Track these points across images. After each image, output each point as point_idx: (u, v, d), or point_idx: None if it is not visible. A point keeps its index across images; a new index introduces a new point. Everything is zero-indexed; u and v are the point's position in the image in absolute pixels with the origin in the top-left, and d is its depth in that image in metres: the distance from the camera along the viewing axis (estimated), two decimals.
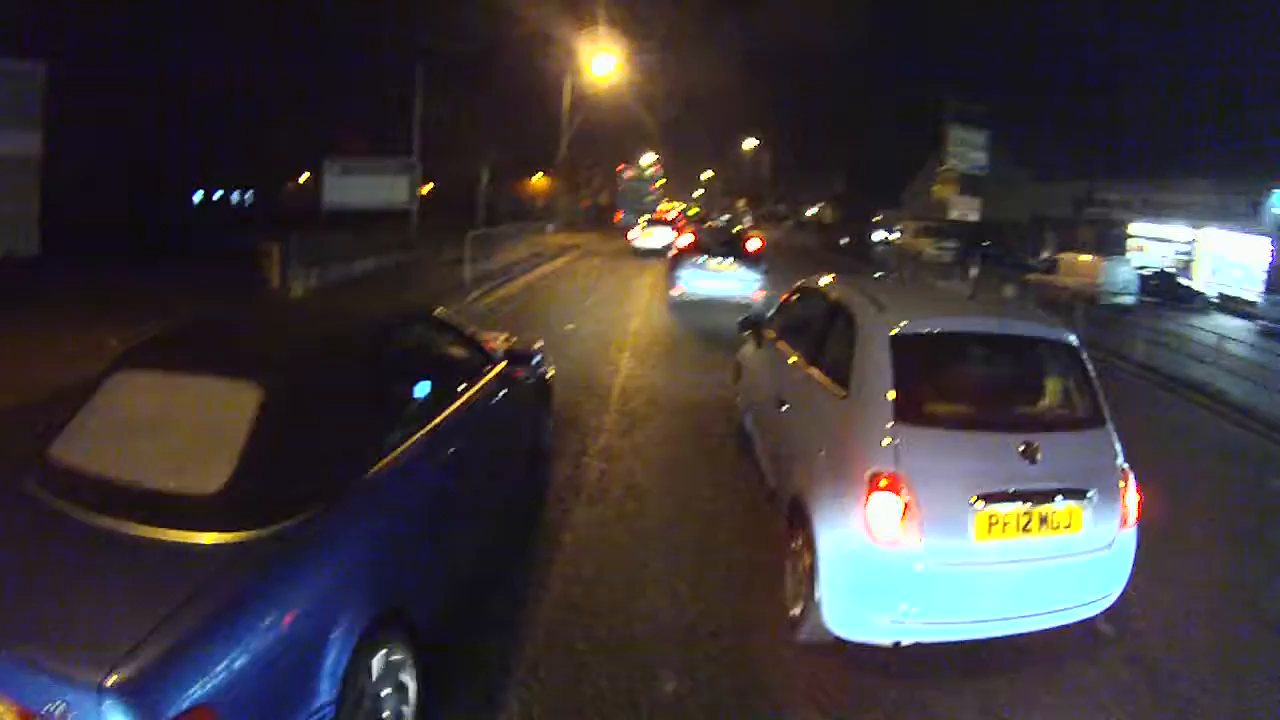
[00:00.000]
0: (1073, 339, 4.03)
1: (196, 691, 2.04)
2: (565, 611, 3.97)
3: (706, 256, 13.83)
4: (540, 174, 41.78)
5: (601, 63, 31.59)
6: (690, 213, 57.14)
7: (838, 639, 3.55)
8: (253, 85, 24.07)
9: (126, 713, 1.92)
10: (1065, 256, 22.52)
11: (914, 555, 3.32)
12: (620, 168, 49.44)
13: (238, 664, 2.16)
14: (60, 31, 19.64)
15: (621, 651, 3.65)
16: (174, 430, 2.83)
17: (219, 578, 2.32)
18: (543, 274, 20.16)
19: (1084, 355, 3.98)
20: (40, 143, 18.94)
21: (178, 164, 27.33)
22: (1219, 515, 6.10)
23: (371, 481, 3.02)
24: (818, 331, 4.73)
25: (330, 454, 2.91)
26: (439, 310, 4.77)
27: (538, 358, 5.72)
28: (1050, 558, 3.47)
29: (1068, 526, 3.47)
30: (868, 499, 3.36)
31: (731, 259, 13.78)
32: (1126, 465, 3.75)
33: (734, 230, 19.02)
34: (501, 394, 4.64)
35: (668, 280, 14.33)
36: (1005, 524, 3.39)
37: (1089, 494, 3.51)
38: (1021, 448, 3.48)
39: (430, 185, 28.88)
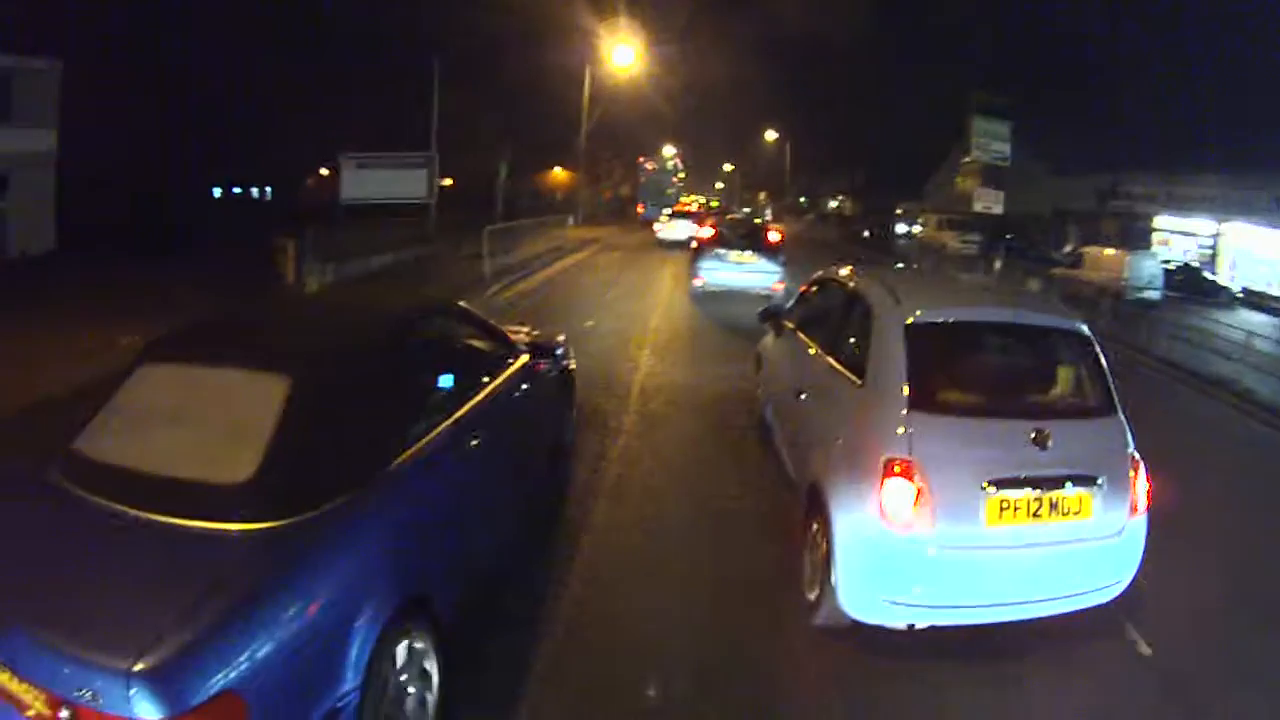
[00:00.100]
0: (1084, 329, 4.09)
1: (223, 678, 2.05)
2: (584, 610, 4.00)
3: (727, 249, 14.05)
4: (560, 167, 41.86)
5: (621, 54, 31.63)
6: (711, 205, 57.13)
7: (853, 622, 3.65)
8: (269, 82, 24.20)
9: (154, 698, 1.94)
10: (1090, 250, 22.14)
11: (927, 539, 3.42)
12: (641, 160, 49.40)
13: (264, 651, 2.18)
14: (74, 30, 19.72)
15: (639, 649, 3.71)
16: (201, 421, 2.85)
17: (246, 566, 2.36)
18: (563, 268, 20.14)
19: (1096, 345, 4.04)
20: (56, 141, 18.91)
21: (195, 160, 27.51)
22: (1254, 515, 5.98)
23: (396, 472, 3.06)
24: (835, 322, 4.83)
25: (356, 445, 2.93)
26: (461, 302, 4.77)
27: (560, 350, 5.74)
28: (1060, 543, 3.55)
29: (1077, 513, 3.55)
30: (882, 484, 3.46)
31: (752, 251, 13.94)
32: (1137, 454, 3.81)
33: (755, 223, 19.08)
34: (524, 387, 4.64)
35: (689, 271, 14.43)
36: (1016, 509, 3.47)
37: (1098, 481, 3.59)
38: (1032, 435, 3.55)
39: (450, 181, 28.97)
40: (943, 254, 29.52)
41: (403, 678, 2.80)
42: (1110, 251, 21.32)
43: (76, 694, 1.96)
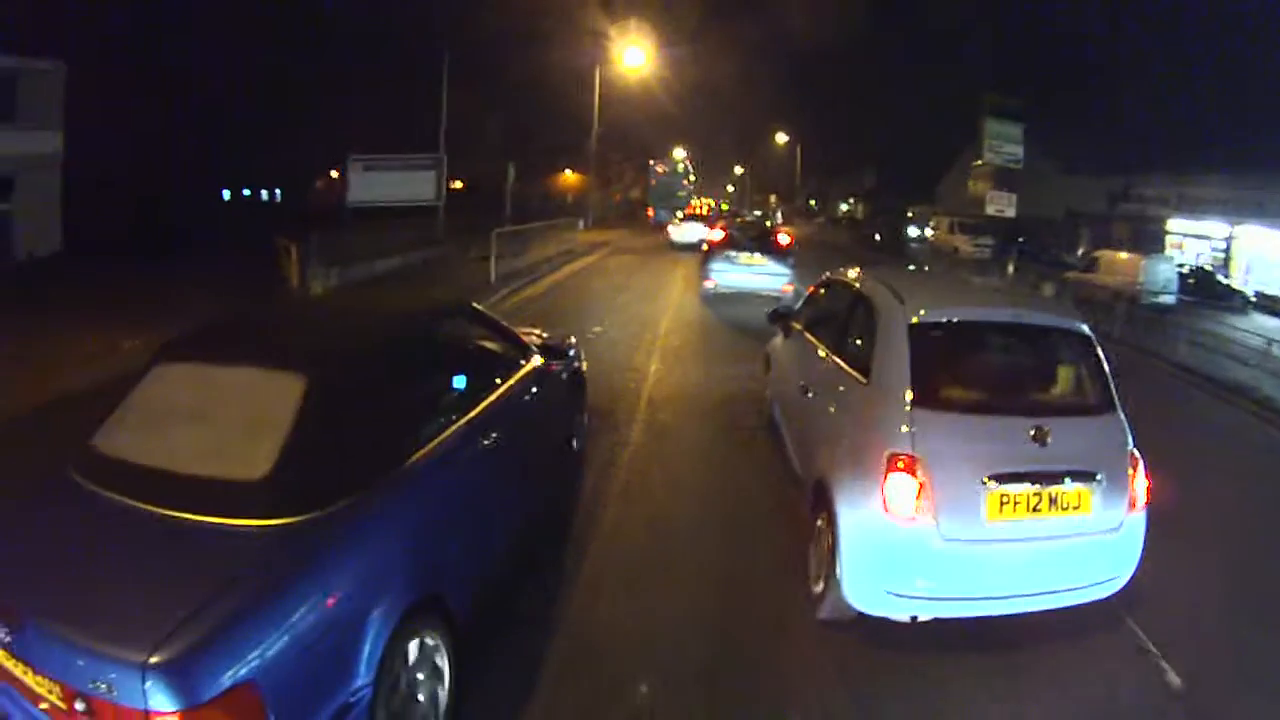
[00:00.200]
0: (1085, 328, 4.16)
1: (238, 671, 2.08)
2: (594, 609, 4.06)
3: (738, 251, 14.19)
4: (570, 169, 41.96)
5: (631, 56, 31.73)
6: (722, 208, 57.19)
7: (857, 615, 3.74)
8: (275, 84, 24.25)
9: (169, 690, 1.96)
10: (1105, 254, 21.87)
11: (929, 533, 3.50)
12: (651, 162, 49.47)
13: (279, 645, 2.20)
14: (76, 31, 19.60)
15: (647, 646, 3.77)
16: (217, 419, 2.87)
17: (261, 561, 2.38)
18: (572, 271, 20.06)
19: (1096, 344, 4.11)
20: (61, 142, 18.71)
21: (200, 162, 27.52)
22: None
23: (410, 470, 3.09)
24: (842, 322, 4.93)
25: (371, 443, 2.96)
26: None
27: (572, 351, 5.83)
28: (1060, 538, 3.62)
29: (1076, 508, 3.62)
30: (886, 479, 3.55)
31: (761, 253, 14.08)
32: (1136, 451, 3.88)
33: (765, 225, 19.16)
34: (537, 388, 4.68)
35: (700, 273, 14.54)
36: (1016, 504, 3.55)
37: (1097, 476, 3.66)
38: (1032, 431, 3.63)
39: (459, 183, 29.02)
40: (955, 258, 29.40)
41: (415, 674, 2.83)
42: (1125, 255, 21.10)
43: (92, 686, 2.00)
